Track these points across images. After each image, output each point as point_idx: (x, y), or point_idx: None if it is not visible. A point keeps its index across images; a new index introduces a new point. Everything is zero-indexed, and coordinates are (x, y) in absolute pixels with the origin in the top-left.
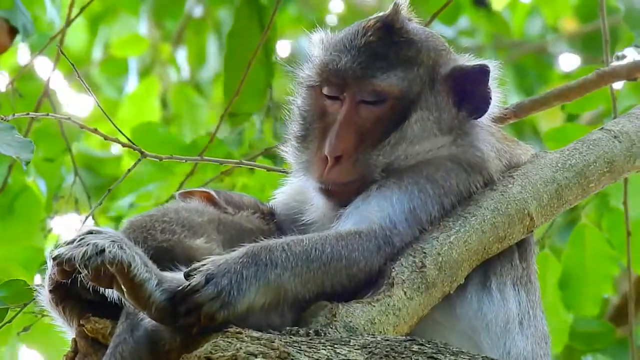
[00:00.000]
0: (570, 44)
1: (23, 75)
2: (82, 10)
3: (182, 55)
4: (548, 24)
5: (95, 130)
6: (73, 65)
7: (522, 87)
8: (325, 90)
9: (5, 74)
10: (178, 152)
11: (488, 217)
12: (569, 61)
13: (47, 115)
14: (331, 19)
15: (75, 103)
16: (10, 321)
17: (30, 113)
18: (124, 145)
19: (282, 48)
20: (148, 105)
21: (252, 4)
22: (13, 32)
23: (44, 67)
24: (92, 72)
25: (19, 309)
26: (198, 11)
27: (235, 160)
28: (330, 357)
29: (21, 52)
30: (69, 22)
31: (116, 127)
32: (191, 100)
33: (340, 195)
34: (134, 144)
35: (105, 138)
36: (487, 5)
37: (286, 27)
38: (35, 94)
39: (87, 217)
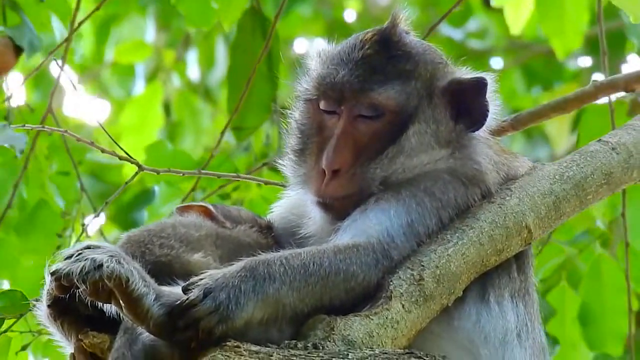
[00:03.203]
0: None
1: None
2: (88, 16)
3: (192, 57)
4: None
5: (91, 143)
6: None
7: (530, 89)
8: (322, 105)
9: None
10: (187, 168)
11: (486, 229)
12: (579, 63)
13: (43, 128)
14: (348, 16)
15: (87, 105)
16: (6, 331)
17: (27, 125)
18: (121, 158)
19: (300, 46)
20: (151, 111)
21: (254, 16)
22: (18, 50)
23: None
24: (103, 73)
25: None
26: None
27: (232, 174)
28: None
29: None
30: (73, 30)
31: (115, 142)
32: (194, 107)
33: (338, 208)
34: (131, 157)
35: (103, 151)
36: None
37: (300, 27)
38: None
39: (82, 232)
